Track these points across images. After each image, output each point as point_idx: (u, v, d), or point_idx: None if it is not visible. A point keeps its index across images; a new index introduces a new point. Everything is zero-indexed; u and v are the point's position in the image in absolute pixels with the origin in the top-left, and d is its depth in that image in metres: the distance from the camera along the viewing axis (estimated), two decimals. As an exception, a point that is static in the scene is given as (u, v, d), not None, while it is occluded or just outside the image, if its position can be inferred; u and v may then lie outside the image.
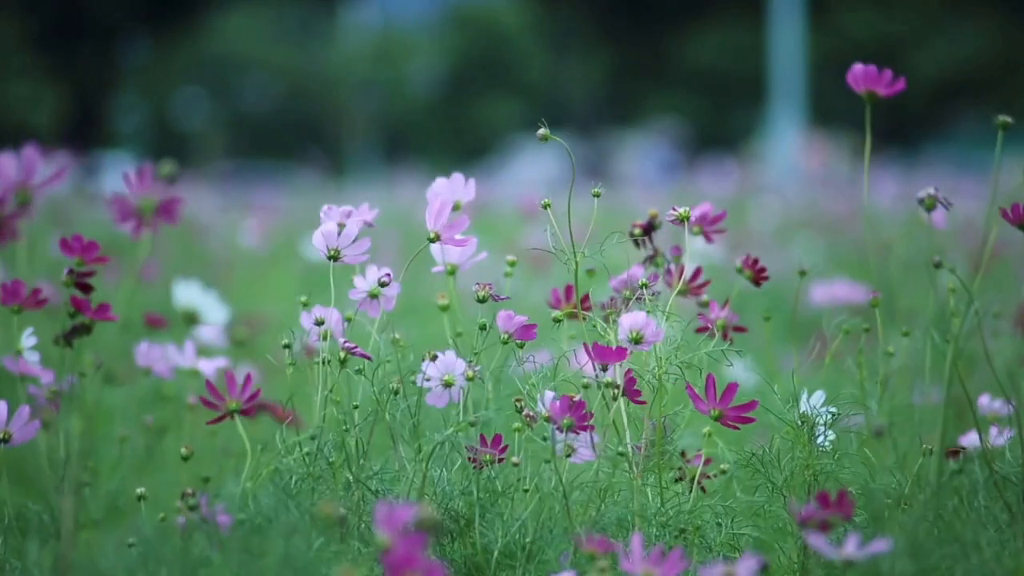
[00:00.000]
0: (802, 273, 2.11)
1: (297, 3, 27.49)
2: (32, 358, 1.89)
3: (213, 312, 2.70)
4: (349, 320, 1.85)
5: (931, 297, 1.81)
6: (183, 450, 1.87)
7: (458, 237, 1.83)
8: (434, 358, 1.79)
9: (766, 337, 2.27)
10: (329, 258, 1.82)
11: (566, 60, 27.61)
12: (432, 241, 1.82)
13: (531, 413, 1.75)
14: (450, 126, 26.08)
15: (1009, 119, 1.82)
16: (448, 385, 1.78)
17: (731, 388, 1.75)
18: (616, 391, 1.75)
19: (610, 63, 27.53)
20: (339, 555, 1.58)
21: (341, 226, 1.82)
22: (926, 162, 14.76)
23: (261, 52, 26.38)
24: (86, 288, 1.83)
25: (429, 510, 1.42)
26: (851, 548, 1.52)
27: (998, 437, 1.82)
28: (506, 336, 1.79)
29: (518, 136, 22.37)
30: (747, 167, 13.40)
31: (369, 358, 1.78)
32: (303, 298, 1.82)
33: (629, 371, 1.77)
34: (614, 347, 1.75)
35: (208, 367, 2.38)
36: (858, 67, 1.92)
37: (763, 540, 1.81)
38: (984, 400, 1.99)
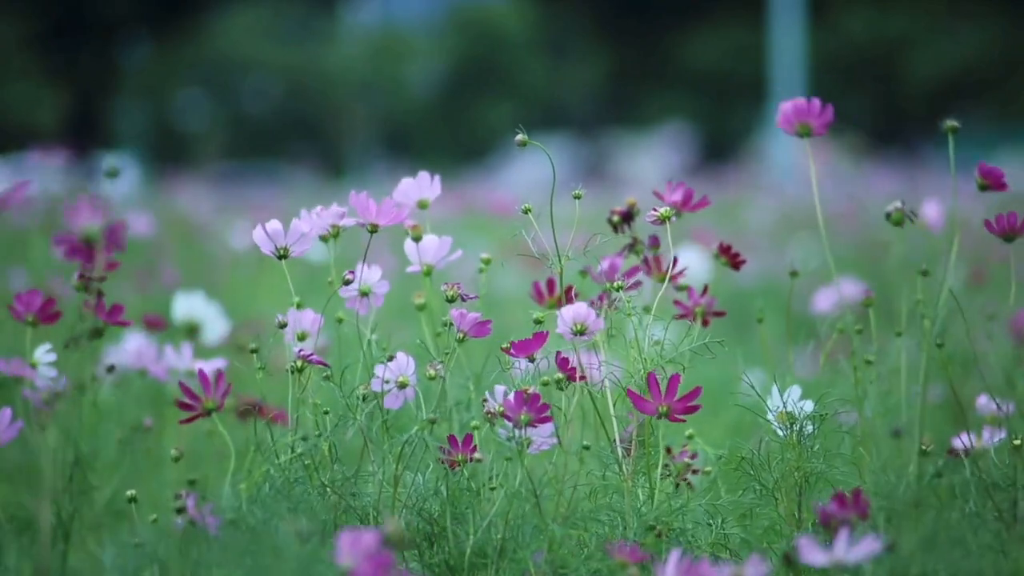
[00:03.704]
0: (793, 274, 2.11)
1: (297, 3, 27.50)
2: (48, 372, 1.88)
3: (214, 324, 2.66)
4: (340, 321, 1.86)
5: (925, 299, 1.82)
6: (174, 451, 1.87)
7: (399, 216, 1.84)
8: (390, 359, 1.80)
9: (762, 337, 2.27)
10: (278, 256, 1.83)
11: (566, 61, 27.61)
12: (372, 232, 1.84)
13: (491, 410, 1.75)
14: (450, 127, 26.08)
15: (957, 124, 1.82)
16: (403, 386, 1.79)
17: (674, 380, 1.74)
18: (565, 384, 1.76)
19: (610, 64, 27.53)
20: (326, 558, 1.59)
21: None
22: (927, 163, 14.76)
23: (261, 52, 26.37)
24: (98, 293, 1.83)
25: (396, 526, 1.43)
26: (840, 552, 1.51)
27: (990, 439, 1.82)
28: (461, 335, 1.79)
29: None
30: (747, 168, 13.40)
31: (327, 365, 1.78)
32: (297, 299, 1.83)
33: (560, 354, 1.77)
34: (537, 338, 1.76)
35: (206, 368, 2.37)
36: (786, 106, 1.89)
37: (751, 541, 1.81)
38: (983, 401, 1.99)
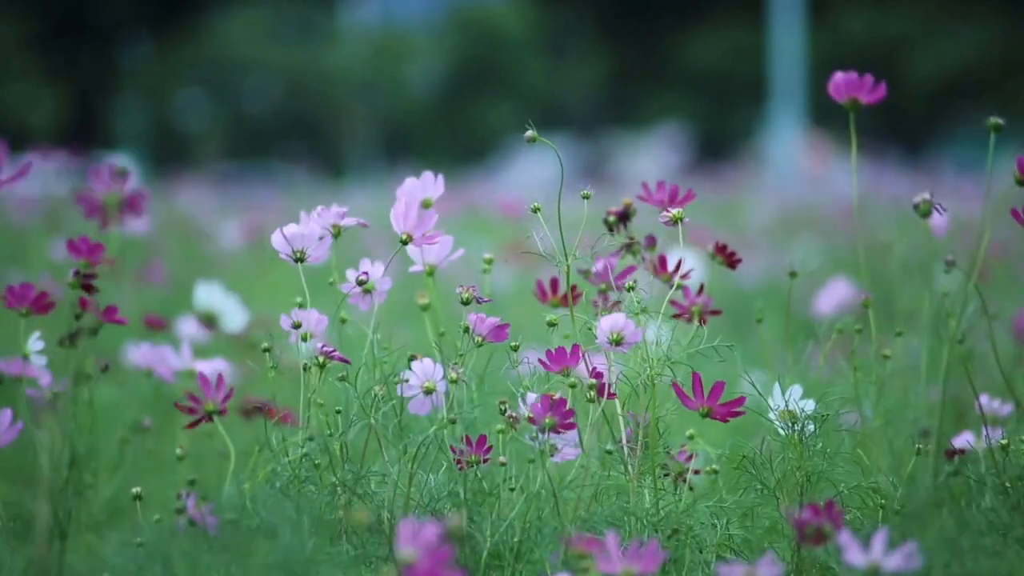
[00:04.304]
0: (792, 274, 2.11)
1: (297, 3, 27.48)
2: (39, 361, 1.88)
3: (233, 315, 2.66)
4: (344, 321, 1.86)
5: (929, 298, 1.81)
6: (178, 450, 1.87)
7: (429, 233, 1.83)
8: (411, 359, 1.79)
9: (762, 338, 2.27)
10: (295, 260, 1.83)
11: (566, 61, 27.60)
12: (404, 243, 1.83)
13: (514, 414, 1.75)
14: (450, 127, 26.07)
15: (1001, 121, 1.81)
16: (429, 392, 1.78)
17: (718, 386, 1.75)
18: (593, 392, 1.76)
19: (610, 64, 27.52)
20: (332, 557, 1.59)
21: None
22: (927, 163, 14.76)
23: (261, 53, 26.37)
24: (90, 289, 1.84)
25: (457, 520, 1.43)
26: (878, 555, 1.51)
27: (992, 437, 1.82)
28: (480, 339, 1.79)
29: (519, 137, 22.28)
30: (746, 168, 13.40)
31: (348, 361, 1.78)
32: (299, 299, 1.82)
33: (595, 368, 1.77)
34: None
35: (205, 368, 2.37)
36: (839, 75, 1.90)
37: (753, 541, 1.81)
38: (983, 400, 1.99)
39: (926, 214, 1.86)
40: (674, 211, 1.85)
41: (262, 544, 1.57)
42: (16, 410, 1.83)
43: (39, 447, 1.77)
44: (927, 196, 1.87)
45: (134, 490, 1.84)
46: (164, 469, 2.65)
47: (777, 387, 1.81)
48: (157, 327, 2.85)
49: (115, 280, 4.97)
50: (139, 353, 2.38)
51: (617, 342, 1.78)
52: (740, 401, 1.76)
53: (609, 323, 1.78)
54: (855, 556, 1.51)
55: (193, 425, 1.81)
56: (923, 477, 1.73)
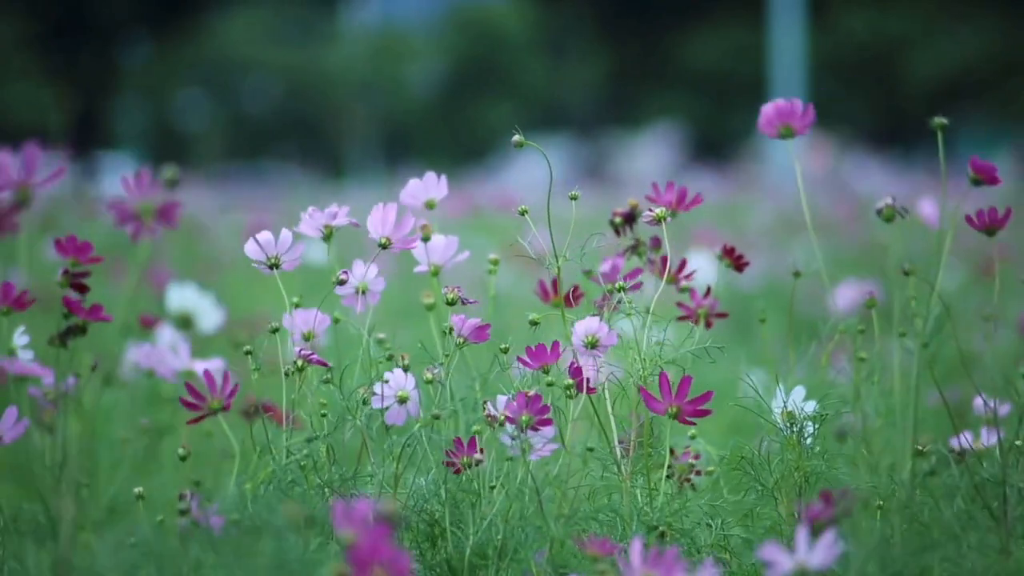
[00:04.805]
0: (796, 275, 2.11)
1: (297, 3, 27.49)
2: (26, 356, 1.88)
3: (208, 315, 2.66)
4: (337, 321, 1.86)
5: (918, 298, 1.81)
6: (181, 450, 1.87)
7: (408, 237, 1.83)
8: (389, 358, 1.78)
9: (764, 338, 2.27)
10: (269, 266, 1.82)
11: (566, 61, 27.61)
12: (383, 247, 1.83)
13: (492, 414, 1.75)
14: (450, 127, 26.07)
15: (945, 120, 1.82)
16: (403, 401, 1.78)
17: (685, 382, 1.73)
18: (572, 389, 1.75)
19: (610, 64, 27.53)
20: (326, 556, 1.59)
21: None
22: (928, 163, 14.76)
23: (261, 53, 26.37)
24: (82, 288, 1.83)
25: (392, 504, 1.42)
26: (803, 554, 1.46)
27: (988, 438, 1.82)
28: (461, 340, 1.78)
29: (518, 137, 22.22)
30: (746, 168, 13.41)
31: (327, 365, 1.77)
32: (295, 299, 1.82)
33: (574, 364, 1.76)
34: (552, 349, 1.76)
35: (203, 368, 2.37)
36: (767, 108, 1.88)
37: (754, 541, 1.80)
38: (979, 401, 1.98)
39: (890, 219, 1.86)
40: (657, 211, 1.84)
41: (263, 544, 1.57)
42: (19, 409, 1.82)
43: (38, 446, 1.77)
44: (890, 201, 1.87)
45: (136, 490, 1.84)
46: (163, 469, 2.65)
47: (779, 388, 1.80)
48: (151, 327, 2.84)
49: (114, 280, 4.97)
50: (136, 353, 2.38)
51: (592, 345, 1.77)
52: (707, 397, 1.72)
53: (583, 327, 1.78)
54: (781, 565, 1.45)
55: (195, 421, 1.81)
56: (900, 477, 1.73)
